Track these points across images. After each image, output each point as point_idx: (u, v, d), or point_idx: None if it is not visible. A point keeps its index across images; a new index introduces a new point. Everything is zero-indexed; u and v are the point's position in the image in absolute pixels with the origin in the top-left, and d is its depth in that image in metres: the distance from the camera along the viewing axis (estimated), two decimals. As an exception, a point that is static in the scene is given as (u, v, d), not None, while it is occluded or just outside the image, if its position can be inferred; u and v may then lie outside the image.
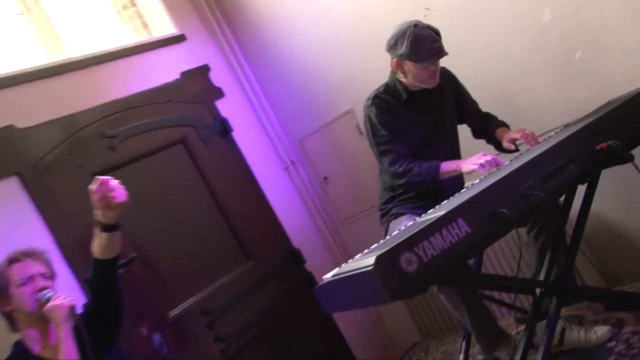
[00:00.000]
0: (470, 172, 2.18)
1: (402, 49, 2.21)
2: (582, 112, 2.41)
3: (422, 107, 2.37)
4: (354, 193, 3.49)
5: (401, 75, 2.31)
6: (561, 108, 2.68)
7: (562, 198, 2.23)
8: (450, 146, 2.45)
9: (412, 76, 2.27)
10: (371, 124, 2.35)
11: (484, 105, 2.60)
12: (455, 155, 2.45)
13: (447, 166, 2.24)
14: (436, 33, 2.19)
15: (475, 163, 2.14)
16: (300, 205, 3.54)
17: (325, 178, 3.66)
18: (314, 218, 3.56)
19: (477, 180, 2.08)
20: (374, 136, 2.36)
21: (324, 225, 3.54)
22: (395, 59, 2.28)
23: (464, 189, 2.11)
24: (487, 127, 2.47)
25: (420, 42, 2.18)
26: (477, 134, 2.53)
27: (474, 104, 2.54)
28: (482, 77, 2.77)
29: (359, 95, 2.88)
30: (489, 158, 2.13)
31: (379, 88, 2.40)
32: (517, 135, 2.30)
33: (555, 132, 2.50)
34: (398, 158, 2.30)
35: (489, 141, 2.49)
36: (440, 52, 2.20)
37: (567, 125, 2.48)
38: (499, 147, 2.42)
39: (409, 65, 2.26)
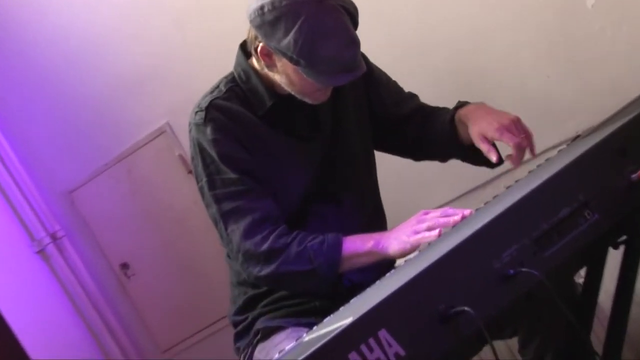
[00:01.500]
0: (404, 255, 1.66)
1: (285, 40, 1.66)
2: (598, 116, 2.08)
3: (302, 125, 1.88)
4: (185, 293, 3.04)
5: (266, 69, 1.80)
6: (566, 109, 2.55)
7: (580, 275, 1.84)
8: (362, 196, 1.95)
9: (287, 80, 1.77)
10: (203, 158, 1.79)
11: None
12: (375, 213, 2.00)
13: (357, 245, 1.72)
14: (352, 18, 1.72)
15: (412, 234, 1.62)
16: (71, 323, 3.00)
17: (125, 265, 3.13)
18: (102, 349, 3.01)
19: (417, 252, 1.61)
20: (209, 182, 1.77)
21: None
22: (262, 44, 1.74)
23: (391, 271, 1.57)
24: (438, 124, 1.94)
25: (321, 43, 1.65)
26: (420, 149, 2.04)
27: (403, 98, 2.05)
28: (447, 66, 2.64)
29: (181, 99, 2.75)
30: (436, 215, 1.63)
31: (216, 87, 1.87)
32: (495, 133, 1.75)
33: (559, 150, 2.00)
34: (258, 224, 1.73)
35: (446, 151, 2.00)
36: (355, 69, 1.70)
37: (576, 138, 2.01)
38: (467, 154, 1.94)
39: (287, 66, 1.73)
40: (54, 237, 3.00)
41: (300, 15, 1.63)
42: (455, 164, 2.12)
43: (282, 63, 1.75)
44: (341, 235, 1.72)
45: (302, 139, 1.86)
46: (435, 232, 1.57)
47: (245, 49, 1.86)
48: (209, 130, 1.75)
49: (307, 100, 1.82)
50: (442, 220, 1.58)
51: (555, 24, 2.63)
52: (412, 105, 2.01)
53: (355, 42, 1.69)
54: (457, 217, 1.58)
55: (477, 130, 1.77)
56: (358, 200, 1.91)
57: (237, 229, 1.72)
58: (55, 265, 3.02)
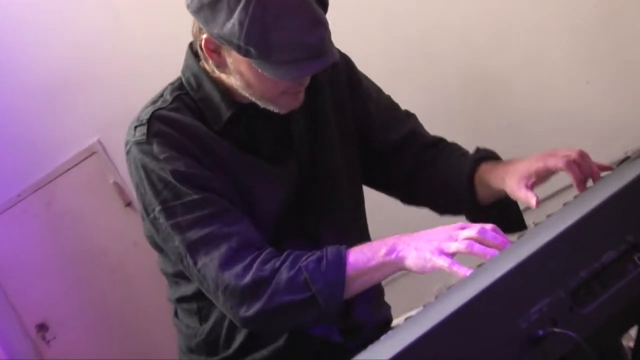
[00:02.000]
0: (430, 271, 1.64)
1: (229, 24, 1.66)
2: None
3: (269, 141, 1.89)
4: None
5: (217, 70, 1.82)
6: (611, 123, 2.69)
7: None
8: (345, 232, 1.95)
9: (242, 81, 1.78)
10: (152, 183, 1.79)
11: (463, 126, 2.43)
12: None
13: (366, 257, 1.72)
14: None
15: (437, 252, 1.61)
16: None
17: (42, 327, 3.19)
18: None
19: (432, 300, 1.55)
20: (165, 211, 1.77)
21: None
22: (206, 36, 1.74)
23: (388, 333, 1.47)
24: (448, 174, 1.96)
25: (274, 24, 1.65)
26: (413, 193, 2.06)
27: (396, 118, 2.05)
28: (468, 71, 2.80)
29: (117, 111, 2.84)
30: (473, 235, 1.60)
31: (159, 97, 1.87)
32: (553, 163, 1.76)
33: (602, 176, 1.96)
34: (237, 252, 1.74)
35: (450, 208, 1.98)
36: (322, 55, 1.69)
37: (624, 160, 1.95)
38: (480, 215, 1.89)
39: (239, 61, 1.74)
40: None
41: None
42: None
43: (232, 59, 1.72)
44: (344, 248, 1.72)
45: (271, 159, 1.86)
46: (463, 270, 1.54)
47: (194, 49, 1.83)
48: (155, 147, 1.76)
49: (273, 108, 1.79)
50: (477, 248, 1.56)
51: (595, 17, 2.67)
52: (407, 130, 2.02)
53: (322, 22, 1.66)
54: (493, 252, 1.57)
55: (525, 173, 1.76)
56: (340, 237, 1.86)
57: (210, 261, 1.73)
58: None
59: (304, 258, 1.70)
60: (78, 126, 3.13)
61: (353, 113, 1.98)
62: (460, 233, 1.61)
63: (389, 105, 2.03)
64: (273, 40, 1.63)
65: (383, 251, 1.68)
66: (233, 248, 1.72)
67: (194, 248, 1.73)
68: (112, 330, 3.15)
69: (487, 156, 1.92)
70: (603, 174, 2.17)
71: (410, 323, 1.51)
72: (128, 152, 1.82)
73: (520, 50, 2.77)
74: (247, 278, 1.69)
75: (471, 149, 2.93)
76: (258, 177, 1.84)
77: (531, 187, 1.76)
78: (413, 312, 1.61)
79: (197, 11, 1.69)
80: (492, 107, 2.86)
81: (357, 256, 1.70)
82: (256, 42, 1.63)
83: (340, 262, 1.69)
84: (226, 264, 1.71)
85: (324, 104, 1.92)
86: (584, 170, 1.75)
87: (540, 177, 1.77)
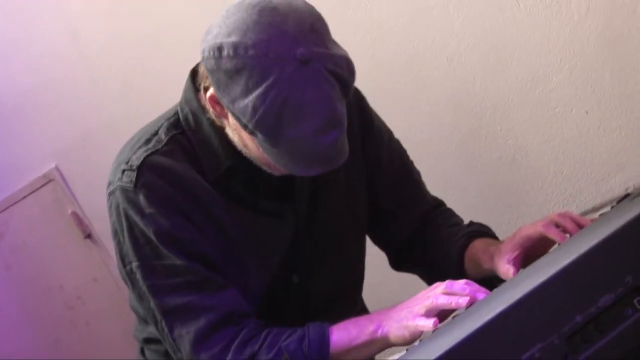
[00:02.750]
0: (413, 338, 1.67)
1: (242, 103, 1.61)
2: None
3: (269, 195, 1.86)
4: None
5: (217, 120, 1.77)
6: (611, 158, 2.71)
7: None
8: (337, 285, 1.97)
9: (240, 141, 1.74)
10: (134, 236, 1.77)
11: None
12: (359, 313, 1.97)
13: (351, 335, 1.74)
14: (343, 88, 1.65)
15: (412, 317, 1.66)
16: None
17: None
18: None
19: (417, 343, 1.64)
20: (144, 268, 1.77)
21: None
22: (213, 91, 1.69)
23: None
24: (438, 244, 2.00)
25: (291, 119, 1.60)
26: (404, 260, 2.09)
27: (405, 174, 2.05)
28: (460, 97, 2.82)
29: (77, 135, 2.87)
30: (439, 290, 1.65)
31: (153, 134, 1.83)
32: (533, 230, 1.80)
33: (601, 214, 2.04)
34: (216, 328, 1.74)
35: (440, 277, 1.88)
36: (332, 161, 1.67)
37: (625, 197, 2.06)
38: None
39: (241, 129, 1.68)
40: None
41: (270, 75, 1.56)
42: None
43: (235, 122, 1.68)
44: (327, 326, 1.72)
45: (269, 214, 1.84)
46: (430, 321, 1.59)
47: (196, 83, 1.78)
48: (142, 199, 1.74)
49: (266, 169, 1.76)
50: (442, 300, 1.61)
51: (598, 43, 2.67)
52: (414, 190, 2.02)
53: (340, 124, 1.62)
54: (461, 300, 1.59)
55: (505, 252, 1.78)
56: (332, 297, 1.94)
57: (186, 334, 1.73)
58: None
59: (284, 337, 1.71)
60: (34, 151, 3.12)
61: (364, 160, 1.96)
62: (431, 293, 1.65)
63: (399, 153, 2.03)
64: (284, 135, 1.59)
65: (370, 328, 1.70)
66: (211, 323, 1.72)
67: (171, 316, 1.74)
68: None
69: (479, 232, 1.94)
70: (601, 211, 2.21)
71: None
72: (111, 194, 1.79)
73: (516, 76, 2.78)
74: (228, 357, 1.71)
75: (465, 183, 2.95)
76: (252, 234, 1.82)
77: (515, 260, 1.78)
78: (395, 357, 1.64)
79: (211, 71, 1.64)
80: (485, 137, 2.86)
81: (341, 334, 1.72)
82: (266, 131, 1.59)
83: (324, 342, 1.72)
84: (203, 341, 1.72)
85: None
86: (566, 227, 1.75)
87: (528, 247, 1.77)
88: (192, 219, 1.76)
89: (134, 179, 1.74)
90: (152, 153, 1.75)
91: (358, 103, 1.97)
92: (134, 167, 1.74)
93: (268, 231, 1.84)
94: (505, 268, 1.77)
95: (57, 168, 3.06)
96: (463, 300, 1.60)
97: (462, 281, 1.65)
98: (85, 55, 2.96)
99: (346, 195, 1.93)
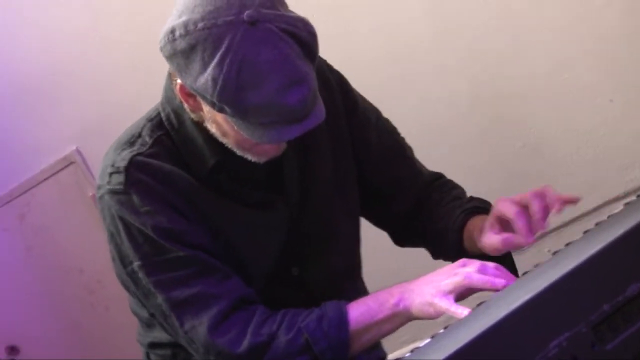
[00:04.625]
0: (437, 316, 1.65)
1: (202, 78, 1.61)
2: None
3: (258, 187, 1.86)
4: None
5: (192, 114, 1.77)
6: (637, 147, 2.64)
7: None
8: (337, 273, 1.95)
9: (218, 129, 1.74)
10: (132, 236, 1.76)
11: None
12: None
13: (372, 310, 1.73)
14: (304, 48, 1.63)
15: (439, 294, 1.63)
16: None
17: (13, 350, 3.26)
18: None
19: (426, 341, 1.47)
20: (146, 267, 1.75)
21: None
22: (179, 82, 1.68)
23: None
24: (437, 221, 1.97)
25: (250, 83, 1.59)
26: (406, 237, 2.08)
27: (396, 151, 2.03)
28: (480, 84, 2.83)
29: (97, 117, 2.88)
30: (474, 269, 1.63)
31: (137, 137, 1.82)
32: (517, 219, 1.73)
33: (626, 204, 1.83)
34: (228, 315, 1.74)
35: (442, 253, 1.99)
36: (304, 118, 1.63)
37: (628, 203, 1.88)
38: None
39: (215, 114, 1.69)
40: None
41: (222, 42, 1.56)
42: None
43: (208, 108, 1.67)
44: (344, 304, 1.72)
45: (260, 206, 1.82)
46: (464, 310, 1.56)
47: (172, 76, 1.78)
48: (134, 198, 1.72)
49: (251, 157, 1.75)
50: (476, 279, 1.58)
51: (622, 29, 2.68)
52: (408, 166, 1.99)
53: (305, 81, 1.59)
54: (498, 282, 1.58)
55: (493, 221, 1.75)
56: (333, 286, 1.91)
57: (199, 324, 1.72)
58: None
59: (302, 317, 1.72)
60: (54, 133, 3.12)
61: (352, 143, 1.94)
62: (460, 270, 1.63)
63: (389, 132, 2.00)
64: (249, 101, 1.57)
65: (391, 302, 1.69)
66: (223, 310, 1.71)
67: (180, 309, 1.73)
68: (88, 355, 3.14)
69: (477, 208, 1.90)
70: (626, 200, 2.17)
71: (417, 355, 1.53)
72: (101, 198, 1.77)
73: (539, 63, 2.76)
74: (244, 345, 1.70)
75: (488, 171, 2.93)
76: (245, 228, 1.81)
77: (495, 233, 1.74)
78: (409, 348, 1.63)
79: (170, 57, 1.64)
80: (507, 126, 2.86)
81: (362, 310, 1.71)
82: (231, 101, 1.57)
83: (343, 319, 1.71)
84: (218, 328, 1.71)
85: (319, 135, 1.86)
86: (533, 212, 1.70)
87: (504, 222, 1.73)
88: (186, 215, 1.75)
89: (123, 181, 1.72)
90: (137, 154, 1.74)
91: (341, 86, 1.94)
92: (121, 169, 1.73)
93: (262, 224, 1.83)
94: (486, 243, 1.75)
95: (77, 150, 3.07)
96: (500, 282, 1.58)
97: (493, 264, 1.63)
98: (106, 36, 2.95)
99: (334, 181, 1.91)
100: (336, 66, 1.99)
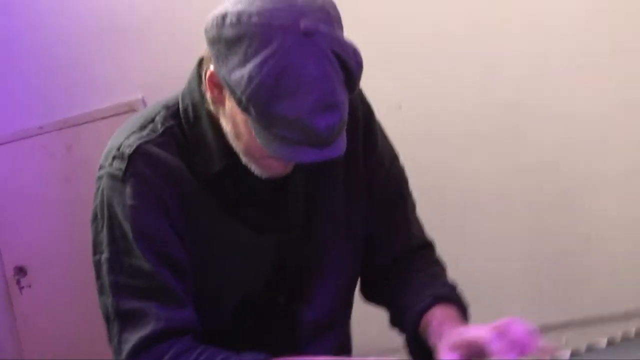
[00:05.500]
0: None
1: (238, 72, 1.51)
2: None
3: (255, 206, 1.76)
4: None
5: (212, 105, 1.67)
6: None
7: None
8: (326, 313, 1.85)
9: (233, 129, 1.64)
10: (111, 227, 1.71)
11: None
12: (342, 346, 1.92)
13: None
14: (347, 75, 1.55)
15: None
16: None
17: (20, 270, 3.20)
18: None
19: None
20: (111, 262, 1.69)
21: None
22: (213, 69, 1.59)
23: None
24: (405, 292, 1.85)
25: (285, 94, 1.50)
26: (373, 293, 1.95)
27: (397, 203, 1.92)
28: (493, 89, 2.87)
29: (167, 70, 2.84)
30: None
31: (149, 121, 1.74)
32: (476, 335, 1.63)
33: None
34: (158, 338, 1.65)
35: (398, 325, 1.86)
36: (326, 146, 1.54)
37: None
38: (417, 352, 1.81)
39: (236, 110, 1.59)
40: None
41: (270, 43, 1.48)
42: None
43: (231, 104, 1.61)
44: (264, 358, 1.62)
45: (254, 227, 1.73)
46: None
47: (200, 71, 1.68)
48: (128, 190, 1.66)
49: (255, 168, 1.67)
50: None
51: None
52: (402, 222, 1.89)
53: (339, 109, 1.52)
54: None
55: (448, 344, 1.62)
56: (319, 326, 1.82)
57: (129, 340, 1.66)
58: None
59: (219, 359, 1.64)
60: (125, 77, 3.11)
61: (367, 177, 1.84)
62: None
63: (397, 182, 1.90)
64: (277, 110, 1.50)
65: None
66: (157, 332, 1.63)
67: (123, 318, 1.67)
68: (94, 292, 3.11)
69: (445, 297, 1.77)
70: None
71: None
72: (99, 178, 1.72)
73: (561, 67, 2.71)
74: None
75: (500, 193, 2.87)
76: (234, 244, 1.73)
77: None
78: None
79: (212, 41, 1.56)
80: (523, 139, 2.79)
81: None
82: (259, 105, 1.50)
83: None
84: (139, 349, 1.64)
85: (334, 167, 1.75)
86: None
87: (470, 351, 1.59)
88: (173, 217, 1.68)
89: (123, 168, 1.67)
90: (145, 142, 1.68)
91: (366, 120, 1.86)
92: (125, 156, 1.67)
93: (254, 243, 1.74)
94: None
95: (143, 100, 3.06)
96: None
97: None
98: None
99: (342, 215, 1.82)
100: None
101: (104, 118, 3.11)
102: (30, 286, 3.18)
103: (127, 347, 1.64)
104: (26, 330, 3.23)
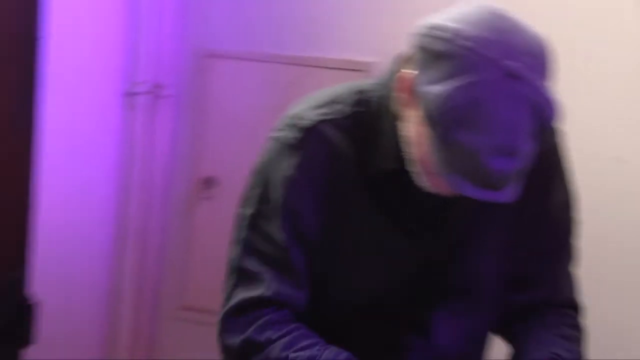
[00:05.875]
0: None
1: (437, 87, 1.50)
2: None
3: (414, 212, 1.73)
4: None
5: (397, 105, 1.67)
6: None
7: None
8: (464, 330, 1.82)
9: (410, 138, 1.62)
10: (265, 191, 1.75)
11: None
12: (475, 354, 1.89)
13: None
14: (540, 124, 1.53)
15: None
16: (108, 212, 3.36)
17: (208, 181, 3.29)
18: (120, 263, 3.40)
19: None
20: (253, 219, 1.74)
21: (131, 306, 3.43)
22: (407, 74, 1.59)
23: None
24: (525, 342, 1.78)
25: (473, 125, 1.49)
26: (500, 326, 1.88)
27: (549, 261, 1.85)
28: None
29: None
30: None
31: (338, 98, 1.75)
32: None
33: None
34: (260, 303, 1.71)
35: None
36: (496, 190, 1.51)
37: None
38: None
39: (421, 122, 1.56)
40: (153, 90, 3.13)
41: (475, 72, 1.45)
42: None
43: (419, 114, 1.58)
44: (344, 357, 1.61)
45: (408, 234, 1.71)
46: None
47: (397, 63, 1.72)
48: (292, 160, 1.67)
49: (424, 180, 1.64)
50: None
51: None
52: (549, 273, 1.81)
53: (518, 158, 1.48)
54: None
55: None
56: (457, 339, 1.77)
57: (238, 296, 1.70)
58: (134, 125, 3.18)
59: (298, 346, 1.64)
60: (362, 37, 3.09)
61: (534, 218, 1.78)
62: None
63: (564, 231, 1.82)
64: (458, 138, 1.47)
65: None
66: (261, 298, 1.67)
67: (242, 275, 1.71)
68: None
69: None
70: None
71: None
72: (272, 139, 1.73)
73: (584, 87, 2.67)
74: (239, 337, 1.68)
75: None
76: (380, 247, 1.71)
77: None
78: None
79: (419, 47, 1.55)
80: None
81: None
82: (444, 126, 1.47)
83: None
84: (241, 308, 1.68)
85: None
86: None
87: None
88: (325, 201, 1.69)
89: (298, 138, 1.67)
90: (327, 120, 1.68)
91: (554, 148, 1.79)
92: (303, 128, 1.67)
93: (398, 249, 1.71)
94: None
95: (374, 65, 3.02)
96: None
97: None
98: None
99: (503, 251, 1.76)
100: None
101: (328, 68, 3.12)
102: (215, 197, 3.25)
103: (232, 302, 1.70)
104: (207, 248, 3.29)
